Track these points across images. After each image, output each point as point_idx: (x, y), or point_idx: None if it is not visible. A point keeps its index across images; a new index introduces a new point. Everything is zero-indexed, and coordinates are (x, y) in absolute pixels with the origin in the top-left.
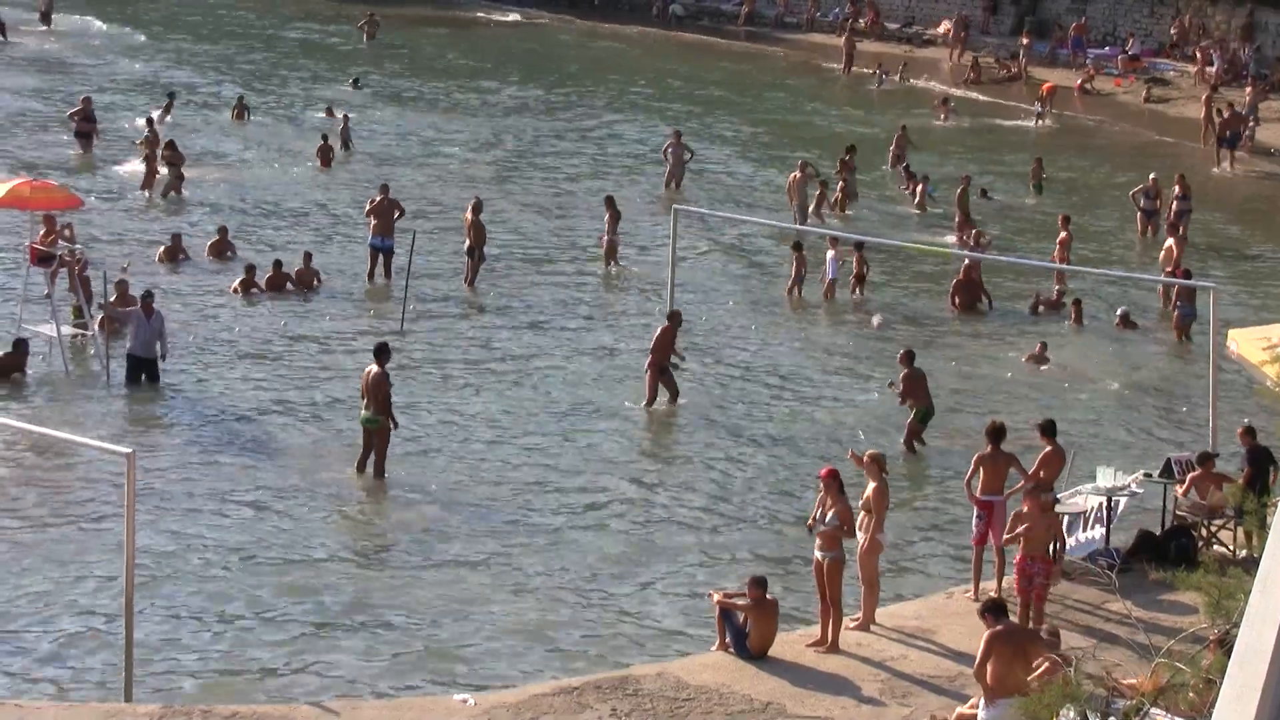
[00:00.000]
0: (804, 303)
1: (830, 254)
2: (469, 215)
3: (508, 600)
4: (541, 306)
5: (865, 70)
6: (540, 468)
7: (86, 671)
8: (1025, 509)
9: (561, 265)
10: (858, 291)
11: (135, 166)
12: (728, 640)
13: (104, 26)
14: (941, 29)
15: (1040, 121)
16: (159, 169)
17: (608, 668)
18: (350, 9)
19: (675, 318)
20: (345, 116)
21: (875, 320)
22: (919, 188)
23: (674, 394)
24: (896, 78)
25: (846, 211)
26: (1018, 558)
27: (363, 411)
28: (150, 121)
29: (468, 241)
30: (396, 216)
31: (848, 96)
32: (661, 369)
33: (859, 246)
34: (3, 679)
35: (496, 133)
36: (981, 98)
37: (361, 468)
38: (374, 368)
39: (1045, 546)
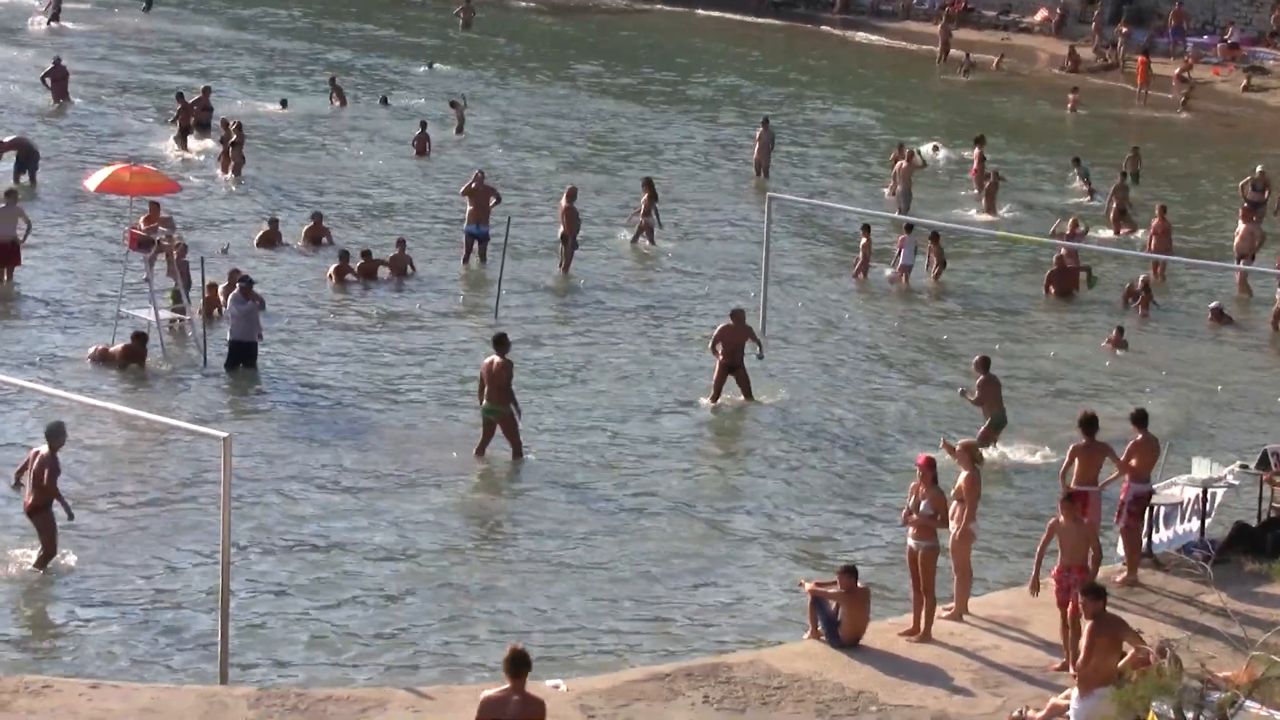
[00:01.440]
0: (870, 286)
1: (902, 239)
2: (563, 202)
3: (601, 586)
4: (634, 294)
5: (961, 56)
6: (632, 456)
7: (183, 654)
8: (1061, 519)
9: (653, 254)
10: (936, 279)
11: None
12: (819, 629)
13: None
14: (1039, 16)
15: (1180, 112)
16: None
17: (700, 655)
18: None
19: (738, 316)
20: (463, 97)
21: (889, 273)
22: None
23: (748, 393)
24: (995, 66)
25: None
26: (1055, 569)
27: (484, 401)
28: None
29: (562, 228)
30: (492, 203)
31: (942, 84)
32: (732, 367)
33: (934, 237)
34: (102, 660)
35: (591, 119)
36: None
37: (480, 453)
38: (495, 357)
39: (1083, 556)
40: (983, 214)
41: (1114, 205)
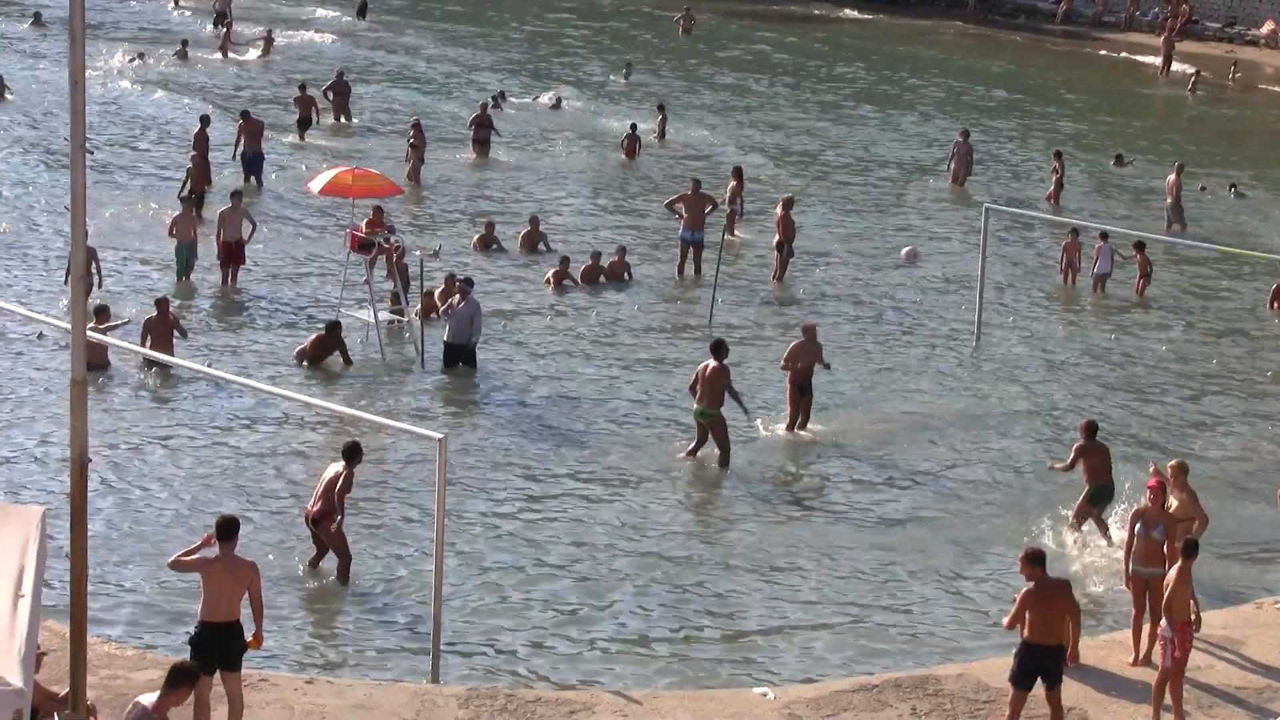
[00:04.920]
0: (1074, 293)
1: (1100, 245)
2: (779, 211)
3: (811, 594)
4: (846, 302)
5: (1186, 70)
6: (846, 463)
7: (396, 652)
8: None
9: (863, 263)
10: (1140, 292)
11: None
12: None
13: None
14: (1265, 29)
15: None
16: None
17: (909, 666)
18: (669, 1)
19: (810, 331)
20: (661, 107)
21: (904, 252)
22: None
23: (805, 417)
24: (1229, 79)
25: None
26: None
27: (695, 404)
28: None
29: (777, 236)
30: (708, 210)
31: (1165, 98)
32: (801, 389)
33: (1140, 247)
34: (316, 656)
35: (808, 128)
36: None
37: (692, 455)
38: (712, 362)
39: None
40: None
41: None
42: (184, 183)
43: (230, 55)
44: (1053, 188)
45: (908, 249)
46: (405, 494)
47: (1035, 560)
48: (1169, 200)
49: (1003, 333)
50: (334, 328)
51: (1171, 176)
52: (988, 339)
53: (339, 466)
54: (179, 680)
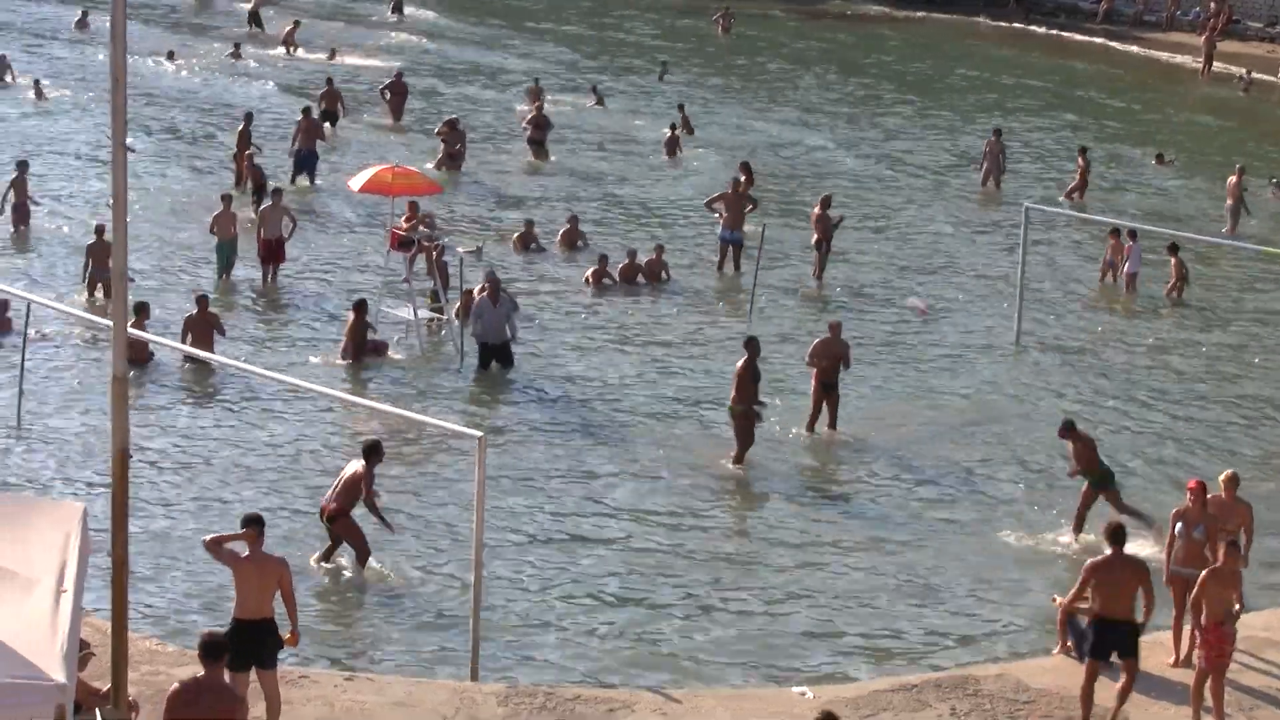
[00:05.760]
0: (1113, 292)
1: (1131, 245)
2: (817, 209)
3: (849, 594)
4: (886, 302)
5: (1226, 70)
6: (883, 465)
7: (435, 649)
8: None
9: (895, 262)
10: (1176, 294)
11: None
12: (1070, 643)
13: (446, 19)
14: None
15: None
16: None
17: (948, 666)
18: (707, 1)
19: (836, 328)
20: (680, 106)
21: (910, 302)
22: None
23: (833, 416)
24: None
25: None
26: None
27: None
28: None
29: (815, 235)
30: (747, 209)
31: (1207, 98)
32: (827, 387)
33: (1173, 250)
34: (357, 653)
35: (848, 126)
36: None
37: (738, 457)
38: (744, 359)
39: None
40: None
41: None
42: (243, 178)
43: (294, 53)
44: (1075, 184)
45: (914, 302)
46: (444, 491)
47: (1112, 537)
48: (1229, 202)
49: (1041, 332)
50: (361, 306)
51: (1233, 178)
52: (1026, 338)
53: (358, 465)
54: (214, 652)
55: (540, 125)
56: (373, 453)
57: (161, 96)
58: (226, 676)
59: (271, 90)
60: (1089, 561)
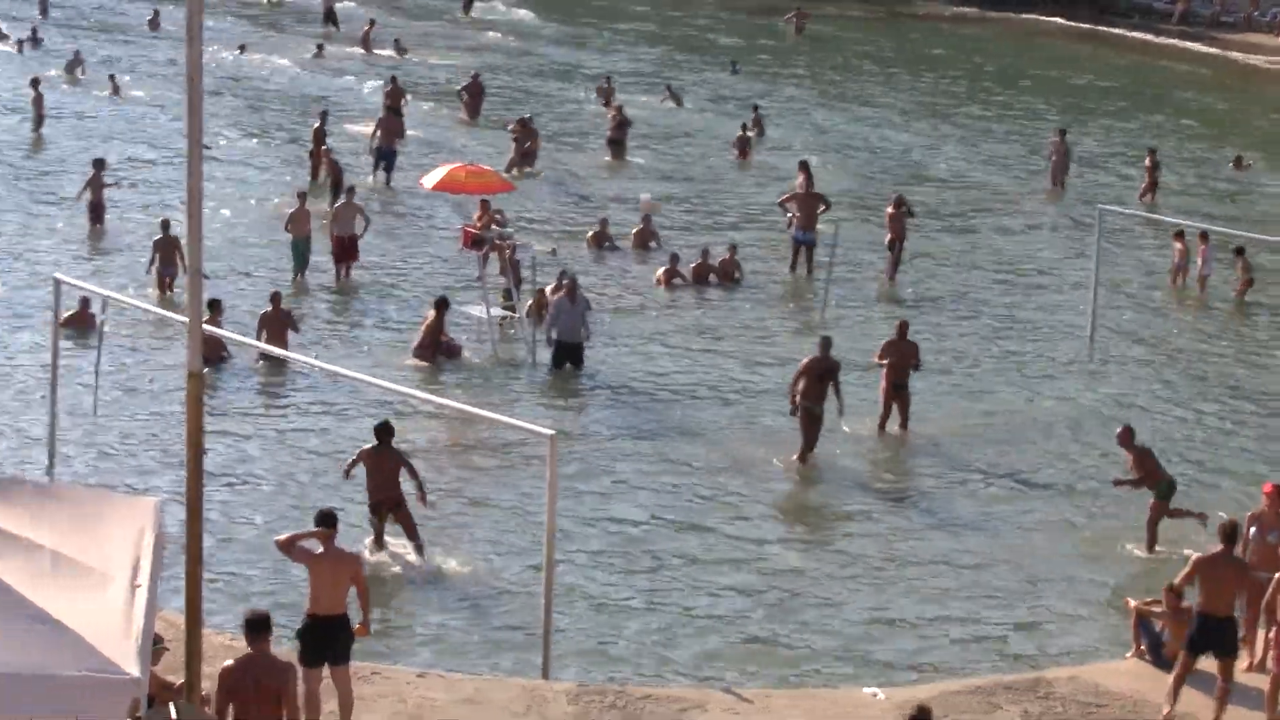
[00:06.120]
0: (1184, 295)
1: (1202, 247)
2: (890, 209)
3: (920, 595)
4: (961, 302)
5: None
6: (963, 466)
7: (506, 647)
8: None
9: (965, 263)
10: (1241, 295)
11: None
12: (1143, 647)
13: (528, 15)
14: None
15: None
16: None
17: (1021, 669)
18: (781, 1)
19: (904, 328)
20: (755, 106)
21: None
22: None
23: (904, 417)
24: None
25: None
26: None
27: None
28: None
29: (889, 235)
30: (820, 210)
31: None
32: (897, 387)
33: (1239, 252)
34: (426, 651)
35: (926, 126)
36: None
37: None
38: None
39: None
40: None
41: None
42: (318, 175)
43: (373, 52)
44: (1145, 185)
45: (645, 198)
46: (516, 490)
47: (1225, 535)
48: None
49: (1115, 335)
50: (442, 304)
51: None
52: (1100, 340)
53: (384, 449)
54: (258, 627)
55: (621, 125)
56: (384, 432)
57: (239, 91)
58: (300, 673)
59: (349, 84)
60: (1195, 556)
